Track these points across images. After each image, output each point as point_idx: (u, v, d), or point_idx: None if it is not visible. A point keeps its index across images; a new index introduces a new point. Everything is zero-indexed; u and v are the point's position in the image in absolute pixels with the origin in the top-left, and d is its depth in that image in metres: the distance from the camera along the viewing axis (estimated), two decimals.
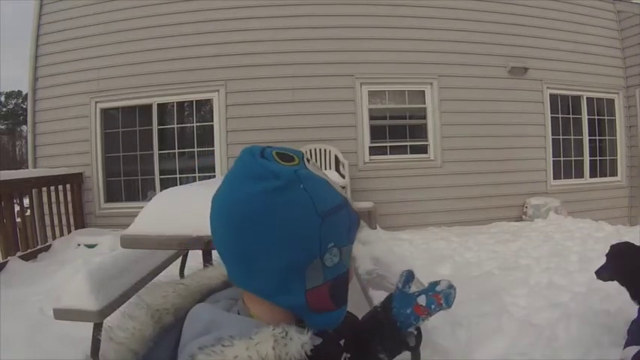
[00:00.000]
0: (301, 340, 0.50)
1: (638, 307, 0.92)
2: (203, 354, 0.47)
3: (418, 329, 0.75)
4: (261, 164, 0.54)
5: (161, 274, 2.91)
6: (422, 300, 0.73)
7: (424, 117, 6.17)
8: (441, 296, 0.72)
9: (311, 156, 5.65)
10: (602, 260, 2.11)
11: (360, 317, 0.81)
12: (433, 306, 0.72)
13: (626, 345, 0.91)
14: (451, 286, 0.74)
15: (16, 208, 4.61)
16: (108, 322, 0.56)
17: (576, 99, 6.77)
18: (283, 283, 0.54)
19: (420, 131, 6.24)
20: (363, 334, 0.75)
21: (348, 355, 0.69)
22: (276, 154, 0.56)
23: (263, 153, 0.55)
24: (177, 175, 6.04)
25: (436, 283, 0.75)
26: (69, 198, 5.53)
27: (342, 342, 0.70)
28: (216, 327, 0.52)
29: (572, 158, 6.82)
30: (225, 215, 0.54)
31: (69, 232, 5.35)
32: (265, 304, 0.56)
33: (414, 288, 0.77)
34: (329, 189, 0.57)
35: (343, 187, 5.35)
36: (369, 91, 6.04)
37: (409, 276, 0.77)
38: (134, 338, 0.54)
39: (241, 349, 0.47)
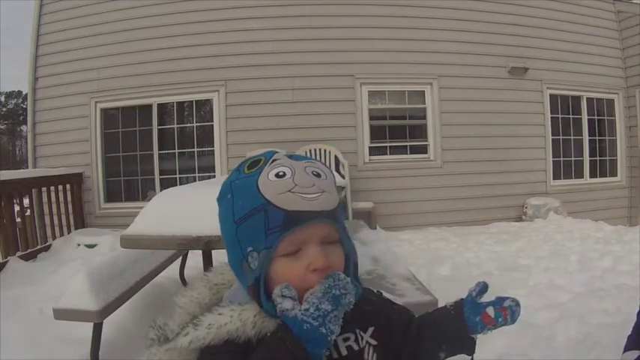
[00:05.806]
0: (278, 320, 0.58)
1: (637, 310, 0.91)
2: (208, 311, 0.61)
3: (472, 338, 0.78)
4: (230, 176, 0.66)
5: (161, 274, 2.92)
6: (490, 311, 0.74)
7: (424, 117, 6.17)
8: (508, 312, 0.73)
9: (311, 156, 5.64)
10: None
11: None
12: (500, 319, 0.74)
13: (625, 349, 0.91)
14: (518, 304, 0.75)
15: (16, 208, 4.60)
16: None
17: (576, 99, 6.78)
18: (237, 275, 0.64)
19: (420, 131, 6.24)
20: (430, 327, 0.78)
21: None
22: (249, 164, 0.64)
23: (239, 166, 0.65)
24: (177, 175, 6.04)
25: (504, 299, 0.76)
26: (69, 198, 5.53)
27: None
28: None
29: (572, 158, 6.82)
30: None
31: (69, 232, 5.34)
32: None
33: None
34: (251, 194, 0.60)
35: (343, 188, 5.34)
36: (369, 91, 6.04)
37: (484, 288, 0.80)
38: (192, 304, 0.65)
39: (227, 310, 0.60)
